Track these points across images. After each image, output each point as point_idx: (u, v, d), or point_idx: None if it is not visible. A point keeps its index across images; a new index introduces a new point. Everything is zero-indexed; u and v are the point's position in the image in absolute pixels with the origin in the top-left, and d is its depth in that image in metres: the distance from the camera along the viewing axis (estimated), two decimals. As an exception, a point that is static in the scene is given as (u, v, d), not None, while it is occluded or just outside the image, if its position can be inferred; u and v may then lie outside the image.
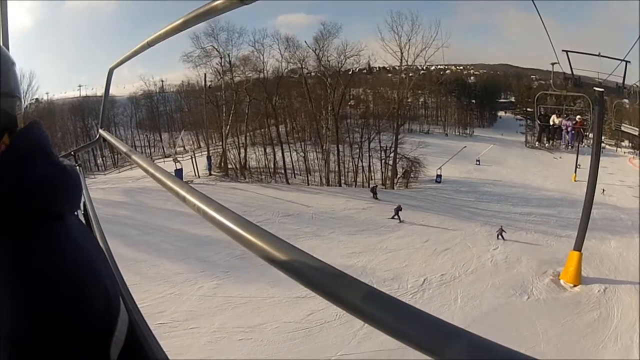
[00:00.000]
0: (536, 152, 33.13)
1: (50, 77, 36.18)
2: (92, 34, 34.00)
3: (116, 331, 0.80)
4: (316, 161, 29.76)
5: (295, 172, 30.09)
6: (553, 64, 16.53)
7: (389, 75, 34.02)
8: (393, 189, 28.33)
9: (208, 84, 31.00)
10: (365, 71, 33.73)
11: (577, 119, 18.40)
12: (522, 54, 34.96)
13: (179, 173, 24.86)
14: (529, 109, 32.70)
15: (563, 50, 15.50)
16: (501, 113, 37.46)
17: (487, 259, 16.94)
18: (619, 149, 32.48)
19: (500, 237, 19.07)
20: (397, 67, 31.73)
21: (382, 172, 29.54)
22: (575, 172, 28.50)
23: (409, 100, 32.72)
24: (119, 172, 29.98)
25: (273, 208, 21.60)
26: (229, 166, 29.60)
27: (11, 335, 0.70)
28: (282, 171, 29.92)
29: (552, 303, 13.61)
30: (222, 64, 30.04)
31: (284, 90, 31.71)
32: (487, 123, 37.38)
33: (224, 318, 11.59)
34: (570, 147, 21.29)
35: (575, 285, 14.63)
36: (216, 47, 29.78)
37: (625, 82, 15.81)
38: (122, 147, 2.23)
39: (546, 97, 22.49)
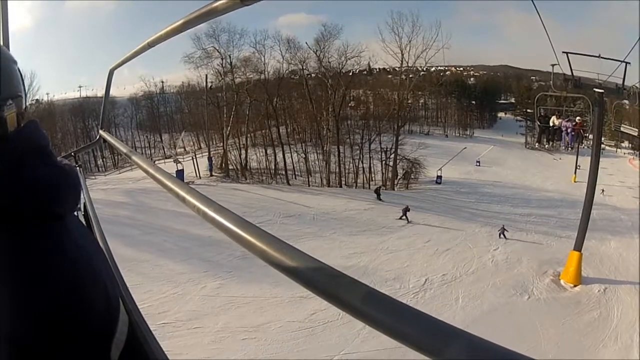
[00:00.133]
0: (536, 153, 33.12)
1: (51, 78, 36.17)
2: (92, 34, 34.07)
3: (117, 332, 0.82)
4: (317, 162, 29.78)
5: (296, 173, 30.10)
6: (553, 65, 16.56)
7: (389, 76, 34.07)
8: (393, 190, 28.36)
9: (209, 85, 31.08)
10: (365, 72, 33.75)
11: (577, 120, 18.44)
12: (522, 55, 35.01)
13: (180, 174, 24.91)
14: (529, 110, 32.76)
15: (563, 52, 15.57)
16: (501, 114, 37.40)
17: (487, 259, 17.00)
18: (618, 149, 32.50)
19: (502, 236, 19.22)
20: (397, 69, 31.82)
21: (382, 173, 29.57)
22: (575, 173, 28.51)
23: (409, 101, 32.76)
24: (120, 173, 29.96)
25: (274, 209, 21.64)
26: (230, 167, 29.64)
27: (11, 335, 0.70)
28: (283, 172, 29.92)
29: (552, 303, 13.66)
30: (223, 65, 30.10)
31: (284, 92, 31.74)
32: (487, 124, 37.33)
33: (228, 318, 11.63)
34: (570, 148, 21.32)
35: (575, 285, 14.68)
36: (217, 48, 29.86)
37: (625, 83, 15.87)
38: (122, 148, 2.24)
39: (546, 99, 22.59)
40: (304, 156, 29.91)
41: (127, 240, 15.29)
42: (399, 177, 29.44)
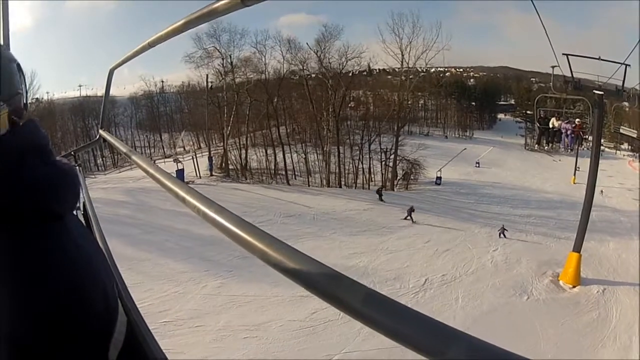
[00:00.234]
0: (535, 155, 33.24)
1: (51, 77, 36.22)
2: (92, 33, 34.14)
3: (115, 332, 0.81)
4: (317, 162, 29.81)
5: (296, 173, 30.14)
6: (553, 66, 16.61)
7: (389, 77, 34.17)
8: (393, 190, 28.38)
9: (209, 84, 31.13)
10: (365, 73, 33.77)
11: (576, 122, 18.47)
12: (522, 57, 35.11)
13: (180, 173, 24.95)
14: (528, 112, 32.84)
15: (563, 54, 15.61)
16: (501, 115, 37.44)
17: (487, 259, 17.06)
18: (618, 151, 32.62)
19: (502, 235, 19.36)
20: (397, 69, 31.90)
21: (382, 174, 29.62)
22: (575, 174, 28.54)
23: (409, 102, 32.79)
24: (119, 172, 29.94)
25: (275, 209, 21.68)
26: (230, 167, 29.68)
27: (11, 334, 0.70)
28: (283, 172, 29.96)
29: (551, 303, 13.73)
30: (224, 65, 30.13)
31: (284, 92, 31.75)
32: (486, 125, 37.40)
33: (229, 316, 11.69)
34: (569, 149, 21.34)
35: (574, 286, 14.75)
36: (218, 48, 29.90)
37: (625, 86, 15.92)
38: (122, 148, 2.22)
39: (546, 100, 22.69)
40: (303, 156, 29.95)
41: (127, 240, 15.33)
42: (398, 177, 29.48)
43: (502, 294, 14.16)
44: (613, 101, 21.10)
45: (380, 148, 29.82)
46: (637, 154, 30.56)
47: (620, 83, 15.79)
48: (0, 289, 0.71)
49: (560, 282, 15.05)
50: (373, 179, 29.34)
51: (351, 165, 29.48)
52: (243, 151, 30.11)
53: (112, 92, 4.46)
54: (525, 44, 33.89)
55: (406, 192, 28.02)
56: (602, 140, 19.94)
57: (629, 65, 15.22)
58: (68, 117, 33.79)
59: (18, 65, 0.85)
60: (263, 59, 30.87)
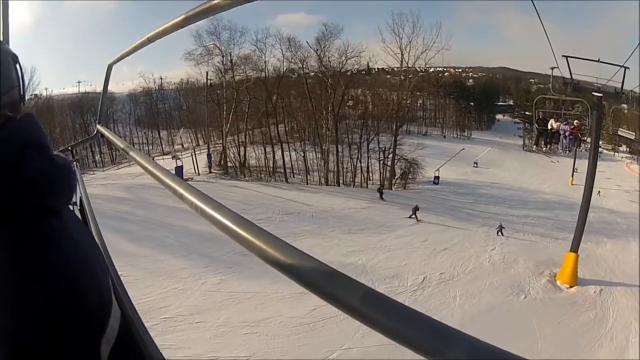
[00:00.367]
0: (534, 156, 33.28)
1: (50, 73, 35.95)
2: (92, 30, 33.96)
3: (107, 328, 0.80)
4: (315, 161, 29.86)
5: (295, 171, 30.18)
6: (552, 68, 16.65)
7: (388, 76, 34.18)
8: (391, 189, 28.46)
9: (209, 82, 31.11)
10: (364, 72, 33.77)
11: (575, 124, 18.53)
12: (521, 58, 35.08)
13: (179, 170, 24.98)
14: (527, 113, 32.77)
15: (563, 56, 15.70)
16: (499, 116, 37.42)
17: (485, 259, 17.15)
18: (616, 153, 32.73)
19: (500, 233, 19.54)
20: (395, 69, 31.95)
21: (380, 173, 29.67)
22: (573, 175, 28.67)
23: (408, 102, 32.84)
24: (118, 169, 29.88)
25: (273, 206, 21.71)
26: (229, 164, 29.69)
27: (5, 329, 0.69)
28: (282, 170, 30.03)
29: (548, 303, 13.83)
30: (224, 63, 30.10)
31: (284, 90, 31.75)
32: (485, 126, 37.42)
33: (229, 313, 11.73)
34: (567, 151, 21.41)
35: (571, 286, 14.86)
36: (218, 46, 29.86)
37: (624, 88, 16.02)
38: (120, 144, 2.21)
39: (545, 101, 22.73)
40: (302, 154, 29.98)
41: (127, 236, 15.35)
42: (396, 177, 29.54)
43: (500, 293, 14.24)
44: (612, 103, 21.22)
45: (379, 147, 29.84)
46: (635, 156, 30.73)
47: (619, 85, 15.91)
48: None
49: (558, 282, 15.15)
50: (371, 178, 29.39)
51: (349, 164, 29.53)
52: (242, 149, 30.13)
53: (111, 88, 4.42)
54: (525, 45, 33.79)
55: (404, 192, 28.06)
56: (600, 142, 20.02)
57: (628, 68, 15.34)
58: (67, 113, 33.63)
59: (14, 57, 0.83)
60: (263, 57, 30.89)
